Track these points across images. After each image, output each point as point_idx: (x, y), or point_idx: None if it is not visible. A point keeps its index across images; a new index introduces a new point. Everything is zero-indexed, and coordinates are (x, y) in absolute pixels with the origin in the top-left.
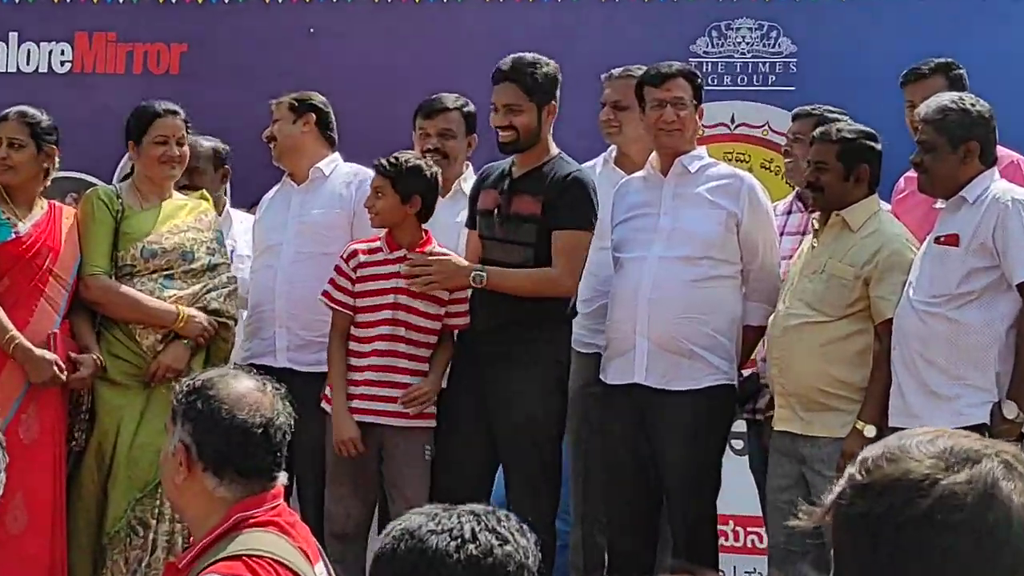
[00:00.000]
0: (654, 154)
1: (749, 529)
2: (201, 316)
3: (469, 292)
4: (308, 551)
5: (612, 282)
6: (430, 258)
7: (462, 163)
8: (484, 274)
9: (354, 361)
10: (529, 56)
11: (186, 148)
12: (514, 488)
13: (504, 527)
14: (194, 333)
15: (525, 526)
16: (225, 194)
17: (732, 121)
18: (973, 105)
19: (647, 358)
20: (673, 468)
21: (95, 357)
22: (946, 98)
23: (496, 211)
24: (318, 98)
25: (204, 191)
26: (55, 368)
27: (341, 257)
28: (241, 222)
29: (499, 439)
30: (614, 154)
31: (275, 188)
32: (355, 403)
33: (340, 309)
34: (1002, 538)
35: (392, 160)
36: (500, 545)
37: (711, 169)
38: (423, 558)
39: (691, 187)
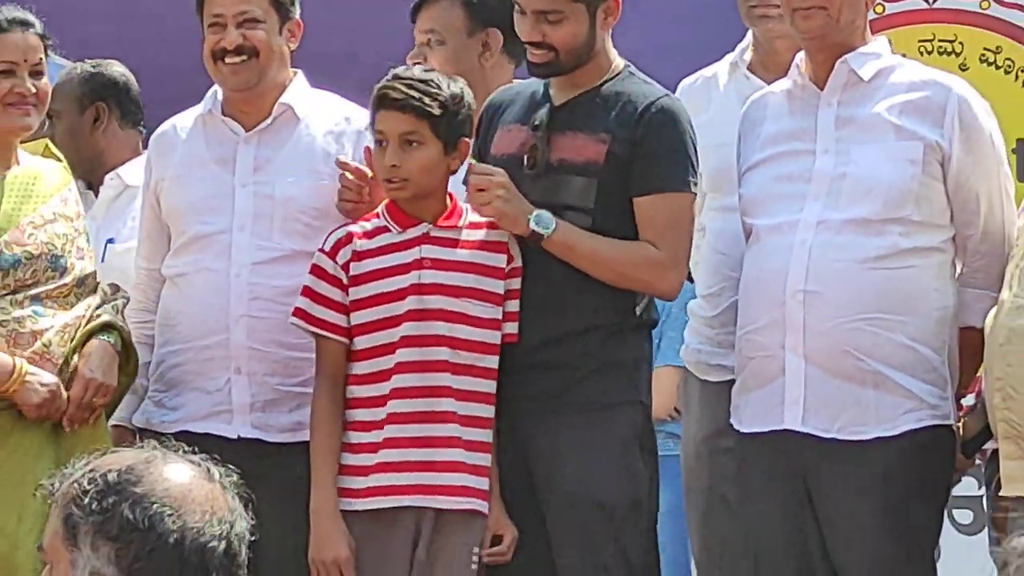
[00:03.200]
0: (801, 54)
1: None
2: (46, 378)
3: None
4: None
5: (742, 266)
6: (496, 171)
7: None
8: (553, 225)
9: (362, 414)
10: None
11: (47, 81)
12: None
13: None
14: (29, 403)
15: None
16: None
17: None
18: None
19: (805, 389)
20: (857, 566)
21: None
22: None
23: (527, 158)
24: None
25: (48, 142)
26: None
27: (322, 251)
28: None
29: (551, 530)
30: (748, 54)
31: (186, 120)
32: (369, 480)
33: (327, 335)
34: None
35: (427, 83)
36: None
37: (897, 73)
38: None
39: (866, 105)
